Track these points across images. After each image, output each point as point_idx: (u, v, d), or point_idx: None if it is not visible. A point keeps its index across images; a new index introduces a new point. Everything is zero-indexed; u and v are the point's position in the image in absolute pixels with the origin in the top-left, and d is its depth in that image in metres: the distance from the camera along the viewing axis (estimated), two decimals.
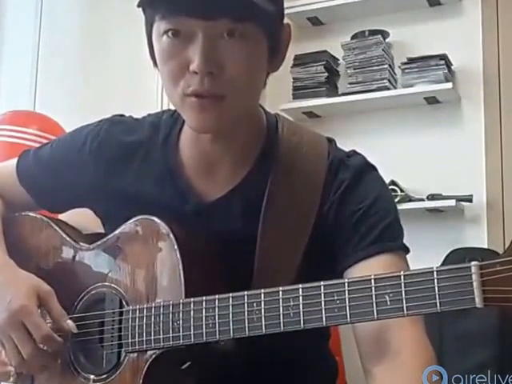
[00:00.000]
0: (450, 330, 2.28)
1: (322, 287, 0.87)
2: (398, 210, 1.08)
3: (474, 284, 0.78)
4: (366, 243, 1.01)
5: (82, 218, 1.23)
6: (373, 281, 0.84)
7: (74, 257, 1.13)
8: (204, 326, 0.93)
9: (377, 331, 0.95)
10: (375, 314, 0.84)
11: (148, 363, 0.98)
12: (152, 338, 0.98)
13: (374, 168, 1.09)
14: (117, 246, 1.08)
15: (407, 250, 1.04)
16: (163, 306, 0.97)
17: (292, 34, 1.06)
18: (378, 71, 2.98)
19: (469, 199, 2.82)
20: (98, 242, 1.11)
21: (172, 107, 1.07)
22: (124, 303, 1.03)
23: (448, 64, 2.92)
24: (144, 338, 0.98)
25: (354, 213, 1.03)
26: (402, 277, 0.83)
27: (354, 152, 1.11)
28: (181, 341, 0.95)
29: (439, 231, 2.88)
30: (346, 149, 1.12)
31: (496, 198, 2.83)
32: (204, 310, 0.93)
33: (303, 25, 3.21)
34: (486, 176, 2.85)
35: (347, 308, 0.85)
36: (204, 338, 0.93)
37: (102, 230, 1.17)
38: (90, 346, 1.06)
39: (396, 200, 2.61)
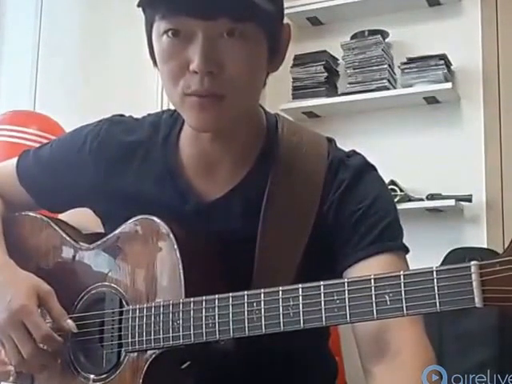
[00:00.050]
0: (450, 330, 2.28)
1: (322, 287, 0.87)
2: (397, 209, 1.08)
3: (474, 284, 0.78)
4: (365, 243, 1.01)
5: (82, 217, 1.23)
6: (372, 281, 0.84)
7: (73, 256, 1.13)
8: (204, 326, 0.93)
9: (376, 331, 0.95)
10: (375, 313, 0.84)
11: (148, 363, 0.98)
12: (152, 337, 0.98)
13: (373, 168, 1.09)
14: (117, 246, 1.08)
15: (407, 250, 1.04)
16: (163, 306, 0.97)
17: (292, 34, 1.06)
18: (377, 71, 2.98)
19: (468, 199, 2.82)
20: (98, 242, 1.11)
21: (172, 107, 1.07)
22: (124, 303, 1.03)
23: (447, 64, 2.92)
24: (144, 338, 0.99)
25: (354, 213, 1.03)
26: (402, 277, 0.83)
27: (353, 152, 1.11)
28: (181, 340, 0.95)
29: (439, 231, 2.88)
30: (346, 149, 1.12)
31: (495, 198, 2.83)
32: (204, 310, 0.94)
33: (303, 25, 3.21)
34: (485, 176, 2.85)
35: (347, 308, 0.85)
36: (204, 338, 0.93)
37: (102, 230, 1.17)
38: (90, 345, 1.06)
39: (395, 200, 2.60)
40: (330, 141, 1.12)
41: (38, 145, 1.30)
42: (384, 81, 2.96)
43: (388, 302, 0.83)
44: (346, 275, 1.00)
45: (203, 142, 1.07)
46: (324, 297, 0.86)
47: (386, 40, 3.04)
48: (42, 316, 1.05)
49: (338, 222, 1.03)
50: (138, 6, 0.96)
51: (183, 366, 0.98)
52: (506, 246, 0.78)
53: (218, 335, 0.93)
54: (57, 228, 1.17)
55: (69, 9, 3.54)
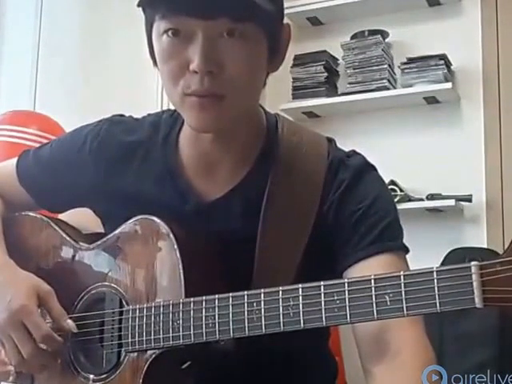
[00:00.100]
0: (450, 330, 2.28)
1: (322, 287, 0.87)
2: (397, 209, 1.08)
3: (474, 284, 0.78)
4: (365, 243, 1.01)
5: (82, 217, 1.23)
6: (373, 281, 0.84)
7: (73, 256, 1.13)
8: (204, 326, 0.93)
9: (377, 331, 0.95)
10: (375, 314, 0.84)
11: (148, 363, 0.98)
12: (152, 337, 0.98)
13: (373, 168, 1.09)
14: (117, 246, 1.08)
15: (407, 250, 1.04)
16: (163, 306, 0.97)
17: (292, 34, 1.06)
18: (377, 71, 2.98)
19: (468, 199, 2.82)
20: (98, 242, 1.11)
21: (172, 107, 1.07)
22: (124, 303, 1.03)
23: (447, 64, 2.92)
24: (144, 338, 0.98)
25: (354, 213, 1.03)
26: (402, 277, 0.83)
27: (353, 152, 1.11)
28: (181, 340, 0.95)
29: (439, 231, 2.88)
30: (346, 149, 1.12)
31: (495, 198, 2.83)
32: (204, 310, 0.94)
33: (303, 25, 3.21)
34: (485, 176, 2.85)
35: (347, 308, 0.85)
36: (204, 338, 0.93)
37: (102, 230, 1.17)
38: (90, 345, 1.06)
39: (395, 200, 2.60)
40: (330, 141, 1.12)
41: (37, 145, 1.30)
42: (384, 81, 2.96)
43: (388, 303, 0.83)
44: (346, 275, 1.00)
45: (203, 142, 1.07)
46: (324, 297, 0.86)
47: (386, 40, 3.04)
48: (42, 316, 1.05)
49: (338, 221, 1.03)
50: (138, 5, 0.96)
51: (183, 366, 0.98)
52: (506, 246, 0.78)
53: (217, 335, 0.92)
54: (57, 228, 1.17)
55: (69, 9, 3.54)
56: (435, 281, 0.80)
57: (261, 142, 1.09)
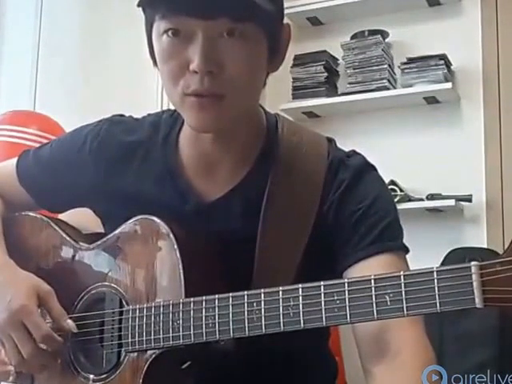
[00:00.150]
0: (450, 330, 2.28)
1: (322, 287, 0.87)
2: (397, 209, 1.08)
3: (474, 284, 0.78)
4: (365, 243, 1.01)
5: (82, 217, 1.23)
6: (373, 281, 0.84)
7: (73, 256, 1.13)
8: (204, 326, 0.93)
9: (377, 331, 0.95)
10: (375, 314, 0.84)
11: (148, 363, 0.98)
12: (152, 337, 0.98)
13: (373, 168, 1.09)
14: (117, 246, 1.08)
15: (407, 250, 1.04)
16: (163, 306, 0.97)
17: (292, 34, 1.06)
18: (377, 71, 2.98)
19: (468, 199, 2.82)
20: (98, 242, 1.11)
21: (172, 107, 1.07)
22: (124, 303, 1.03)
23: (447, 64, 2.92)
24: (144, 338, 0.98)
25: (354, 213, 1.03)
26: (402, 277, 0.83)
27: (353, 152, 1.11)
28: (181, 340, 0.95)
29: (439, 231, 2.88)
30: (346, 149, 1.12)
31: (495, 198, 2.83)
32: (204, 310, 0.94)
33: (303, 25, 3.21)
34: (485, 176, 2.85)
35: (347, 308, 0.85)
36: (204, 338, 0.93)
37: (102, 230, 1.17)
38: (90, 345, 1.06)
39: (395, 200, 2.60)
40: (330, 141, 1.12)
41: (37, 145, 1.30)
42: (384, 81, 2.96)
43: (388, 303, 0.83)
44: (346, 275, 1.00)
45: (203, 142, 1.07)
46: (324, 297, 0.86)
47: (386, 40, 3.04)
48: (42, 316, 1.05)
49: (338, 221, 1.03)
50: (138, 5, 0.96)
51: (183, 366, 0.98)
52: (506, 246, 0.78)
53: (217, 335, 0.92)
54: (57, 228, 1.17)
55: (69, 9, 3.54)
56: (435, 281, 0.80)
57: (261, 142, 1.09)
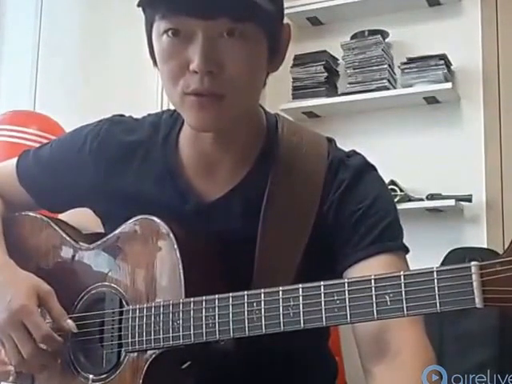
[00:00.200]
0: (450, 330, 2.28)
1: (322, 287, 0.87)
2: (397, 209, 1.08)
3: (474, 284, 0.78)
4: (365, 243, 1.01)
5: (82, 217, 1.23)
6: (373, 281, 0.84)
7: (73, 256, 1.13)
8: (204, 326, 0.93)
9: (377, 331, 0.95)
10: (375, 314, 0.84)
11: (148, 363, 0.98)
12: (152, 337, 0.98)
13: (373, 168, 1.09)
14: (117, 246, 1.08)
15: (407, 250, 1.04)
16: (163, 306, 0.97)
17: (292, 34, 1.06)
18: (377, 71, 2.98)
19: (468, 199, 2.82)
20: (98, 242, 1.11)
21: (172, 107, 1.07)
22: (124, 303, 1.03)
23: (447, 64, 2.92)
24: (144, 338, 0.98)
25: (354, 213, 1.03)
26: (402, 277, 0.83)
27: (353, 152, 1.11)
28: (181, 340, 0.95)
29: (439, 231, 2.88)
30: (346, 149, 1.12)
31: (495, 198, 2.83)
32: (204, 310, 0.94)
33: (303, 25, 3.21)
34: (485, 176, 2.85)
35: (347, 308, 0.85)
36: (204, 338, 0.93)
37: (102, 230, 1.17)
38: (90, 345, 1.06)
39: (395, 200, 2.60)
40: (330, 141, 1.12)
41: (37, 145, 1.30)
42: (384, 81, 2.96)
43: (388, 303, 0.83)
44: (346, 275, 1.00)
45: (203, 142, 1.07)
46: (324, 297, 0.86)
47: (386, 40, 3.04)
48: (42, 316, 1.05)
49: (338, 222, 1.03)
50: (138, 5, 0.96)
51: (183, 366, 0.98)
52: (506, 246, 0.78)
53: (217, 335, 0.92)
54: (57, 228, 1.17)
55: (69, 9, 3.54)
56: (435, 281, 0.80)
57: (261, 142, 1.09)
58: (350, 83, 3.03)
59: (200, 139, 1.07)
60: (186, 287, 0.96)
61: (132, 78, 3.22)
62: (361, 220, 1.02)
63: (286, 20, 1.05)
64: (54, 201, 1.23)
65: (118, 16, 3.27)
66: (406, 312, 0.82)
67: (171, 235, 1.00)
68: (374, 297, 0.84)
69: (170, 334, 0.96)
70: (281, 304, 0.89)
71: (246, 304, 0.91)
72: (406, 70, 2.96)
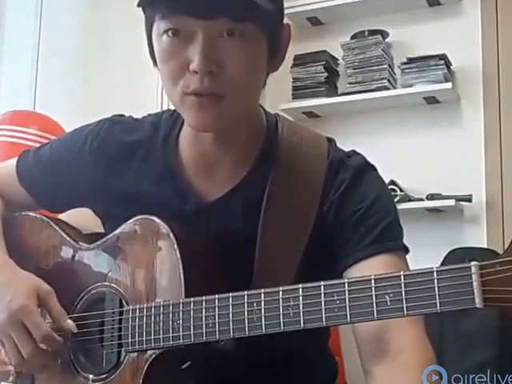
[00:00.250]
0: (450, 330, 2.28)
1: (322, 287, 0.87)
2: (397, 209, 1.08)
3: (474, 284, 0.78)
4: (365, 243, 1.01)
5: (82, 217, 1.23)
6: (373, 281, 0.84)
7: (73, 256, 1.13)
8: (204, 326, 0.93)
9: (377, 331, 0.95)
10: (375, 314, 0.84)
11: (148, 363, 0.98)
12: (152, 337, 0.98)
13: (373, 168, 1.09)
14: (117, 246, 1.08)
15: (407, 250, 1.04)
16: (163, 306, 0.97)
17: (292, 34, 1.06)
18: (377, 71, 2.98)
19: (468, 199, 2.82)
20: (98, 242, 1.11)
21: (172, 107, 1.07)
22: (124, 303, 1.03)
23: (447, 64, 2.92)
24: (144, 338, 0.98)
25: (354, 213, 1.03)
26: (402, 277, 0.83)
27: (353, 152, 1.11)
28: (181, 340, 0.95)
29: (439, 231, 2.88)
30: (346, 149, 1.12)
31: (495, 198, 2.83)
32: (204, 310, 0.94)
33: (303, 25, 3.21)
34: (485, 176, 2.85)
35: (347, 308, 0.85)
36: (204, 338, 0.93)
37: (102, 230, 1.17)
38: (90, 345, 1.06)
39: (395, 200, 2.60)
40: (330, 141, 1.12)
41: (37, 145, 1.30)
42: (384, 81, 2.96)
43: (388, 303, 0.83)
44: (346, 275, 1.00)
45: (203, 142, 1.07)
46: (324, 297, 0.86)
47: (386, 40, 3.04)
48: (42, 316, 1.05)
49: (338, 222, 1.03)
50: (138, 5, 0.96)
51: (183, 366, 0.98)
52: (506, 246, 0.78)
53: (217, 335, 0.92)
54: (57, 228, 1.17)
55: (69, 9, 3.54)
56: (435, 281, 0.80)
57: (261, 142, 1.09)
58: (349, 83, 3.03)
59: (200, 139, 1.07)
60: (186, 287, 0.96)
61: (132, 78, 3.22)
62: (361, 220, 1.02)
63: (286, 20, 1.05)
64: (54, 201, 1.23)
65: (118, 16, 3.27)
66: (405, 312, 0.82)
67: (171, 235, 1.00)
68: (374, 297, 0.84)
69: (170, 334, 0.96)
70: (281, 304, 0.89)
71: (246, 304, 0.91)
72: (406, 70, 2.96)
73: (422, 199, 2.87)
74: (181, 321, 0.95)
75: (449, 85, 2.86)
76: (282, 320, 0.88)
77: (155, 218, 1.03)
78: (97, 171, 1.13)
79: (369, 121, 3.09)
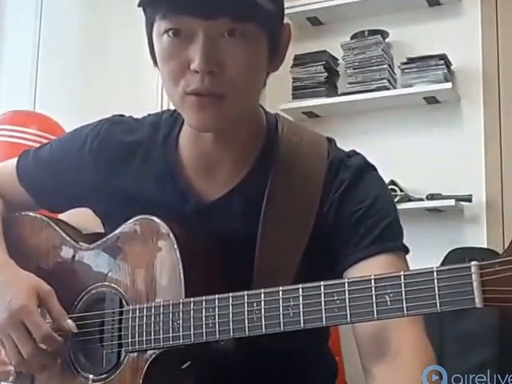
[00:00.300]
0: (450, 330, 2.28)
1: (322, 287, 0.87)
2: (397, 209, 1.08)
3: (474, 284, 0.78)
4: (365, 243, 1.01)
5: (82, 217, 1.23)
6: (373, 281, 0.84)
7: (73, 256, 1.13)
8: (204, 326, 0.93)
9: (377, 331, 0.95)
10: (375, 314, 0.84)
11: (148, 363, 0.98)
12: (152, 337, 0.98)
13: (373, 168, 1.09)
14: (117, 246, 1.08)
15: (407, 250, 1.04)
16: (163, 306, 0.97)
17: (292, 34, 1.06)
18: (377, 71, 2.98)
19: (468, 199, 2.82)
20: (98, 242, 1.11)
21: (172, 107, 1.07)
22: (124, 303, 1.03)
23: (447, 64, 2.92)
24: (144, 338, 0.98)
25: (354, 213, 1.03)
26: (402, 277, 0.83)
27: (353, 152, 1.11)
28: (181, 340, 0.95)
29: (439, 231, 2.88)
30: (346, 149, 1.12)
31: (495, 198, 2.83)
32: (204, 310, 0.94)
33: (303, 25, 3.21)
34: (485, 176, 2.85)
35: (347, 308, 0.85)
36: (204, 338, 0.93)
37: (102, 230, 1.17)
38: (90, 345, 1.06)
39: (395, 200, 2.60)
40: (330, 141, 1.12)
41: (37, 145, 1.30)
42: (384, 81, 2.96)
43: (388, 303, 0.83)
44: (346, 275, 1.00)
45: (203, 142, 1.07)
46: (324, 297, 0.86)
47: (386, 40, 3.04)
48: (42, 316, 1.05)
49: (338, 222, 1.03)
50: (139, 5, 0.96)
51: (183, 366, 0.98)
52: (506, 246, 0.78)
53: (217, 335, 0.92)
54: (57, 228, 1.17)
55: (69, 9, 3.54)
56: (435, 281, 0.80)
57: (261, 142, 1.09)
58: (350, 83, 3.03)
59: (200, 139, 1.07)
60: (186, 287, 0.96)
61: (132, 78, 3.22)
62: (361, 220, 1.02)
63: (286, 20, 1.05)
64: (54, 201, 1.23)
65: (118, 16, 3.27)
66: (405, 312, 0.82)
67: (171, 235, 1.00)
68: (373, 297, 0.84)
69: (170, 334, 0.96)
70: (281, 304, 0.89)
71: (246, 304, 0.91)
72: (406, 70, 2.96)
73: (421, 199, 2.87)
74: (181, 321, 0.95)
75: (449, 85, 2.86)
76: (281, 320, 0.88)
77: (155, 218, 1.03)
78: (97, 171, 1.13)
79: (369, 121, 3.08)
